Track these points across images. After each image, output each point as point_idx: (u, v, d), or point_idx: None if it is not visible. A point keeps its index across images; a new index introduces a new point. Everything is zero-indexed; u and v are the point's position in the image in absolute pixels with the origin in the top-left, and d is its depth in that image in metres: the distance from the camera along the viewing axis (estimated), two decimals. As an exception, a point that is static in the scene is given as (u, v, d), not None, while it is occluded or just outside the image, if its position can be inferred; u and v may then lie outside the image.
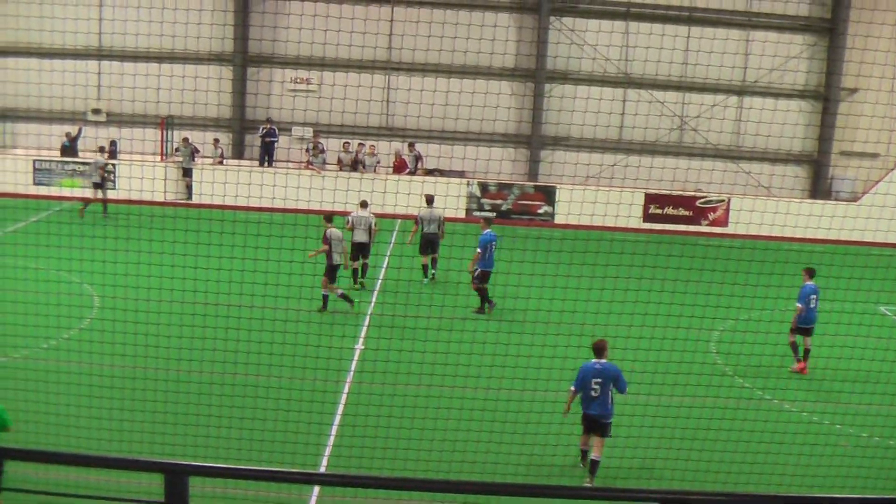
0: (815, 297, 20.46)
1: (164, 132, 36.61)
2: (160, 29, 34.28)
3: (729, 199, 36.31)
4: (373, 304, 23.69)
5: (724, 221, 36.19)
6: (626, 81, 38.17)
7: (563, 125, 37.99)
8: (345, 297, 22.67)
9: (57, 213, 31.29)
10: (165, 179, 35.79)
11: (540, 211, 36.36)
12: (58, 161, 35.83)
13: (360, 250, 25.10)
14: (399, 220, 32.69)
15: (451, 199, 32.85)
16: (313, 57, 37.10)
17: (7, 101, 35.66)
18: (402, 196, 28.71)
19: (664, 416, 15.67)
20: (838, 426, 17.39)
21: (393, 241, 30.67)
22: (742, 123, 38.55)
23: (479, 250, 23.30)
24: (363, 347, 20.06)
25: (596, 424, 14.66)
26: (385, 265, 27.63)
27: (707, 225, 36.20)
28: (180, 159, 35.96)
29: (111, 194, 33.23)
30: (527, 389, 16.99)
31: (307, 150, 36.94)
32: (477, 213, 25.11)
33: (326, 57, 36.74)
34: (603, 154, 38.30)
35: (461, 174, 36.62)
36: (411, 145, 37.05)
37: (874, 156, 37.06)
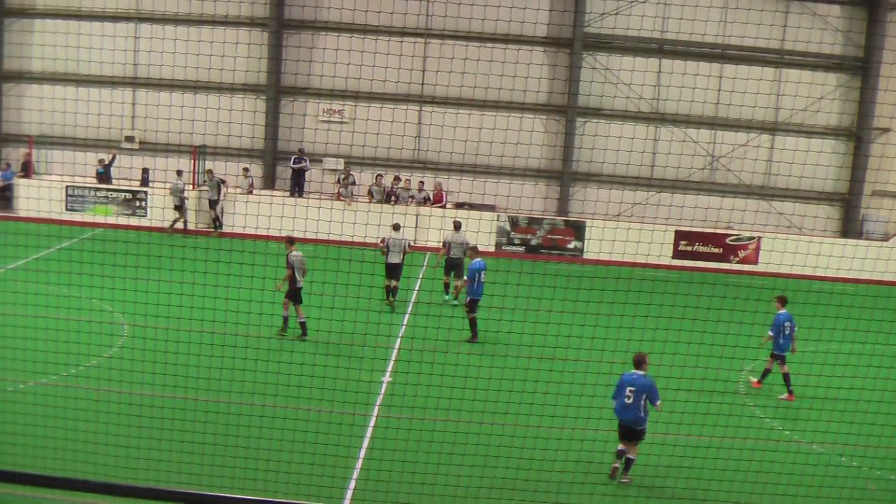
0: (789, 324, 20.58)
1: (196, 161, 36.90)
2: (196, 61, 34.58)
3: (760, 238, 36.14)
4: (403, 327, 23.72)
5: (754, 259, 36.02)
6: (658, 118, 38.16)
7: (595, 163, 38.05)
8: (303, 326, 22.47)
9: (90, 241, 31.52)
10: (198, 210, 36.10)
11: (569, 246, 36.34)
12: (90, 187, 36.15)
13: (392, 272, 26.03)
14: (427, 254, 32.75)
15: (483, 235, 32.91)
16: (347, 90, 37.34)
17: (43, 129, 36.06)
18: (433, 231, 28.82)
19: (692, 457, 15.60)
20: (867, 469, 17.22)
21: (422, 275, 30.68)
22: (773, 163, 38.44)
23: (465, 278, 24.09)
24: (390, 380, 20.05)
25: (630, 431, 15.64)
26: (413, 300, 27.65)
27: (737, 262, 36.05)
28: (206, 189, 36.20)
29: (144, 222, 33.56)
30: (554, 427, 16.93)
31: (338, 181, 37.12)
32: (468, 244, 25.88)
33: (360, 90, 36.98)
34: (635, 191, 38.24)
35: (492, 208, 36.67)
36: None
37: (906, 196, 36.87)
